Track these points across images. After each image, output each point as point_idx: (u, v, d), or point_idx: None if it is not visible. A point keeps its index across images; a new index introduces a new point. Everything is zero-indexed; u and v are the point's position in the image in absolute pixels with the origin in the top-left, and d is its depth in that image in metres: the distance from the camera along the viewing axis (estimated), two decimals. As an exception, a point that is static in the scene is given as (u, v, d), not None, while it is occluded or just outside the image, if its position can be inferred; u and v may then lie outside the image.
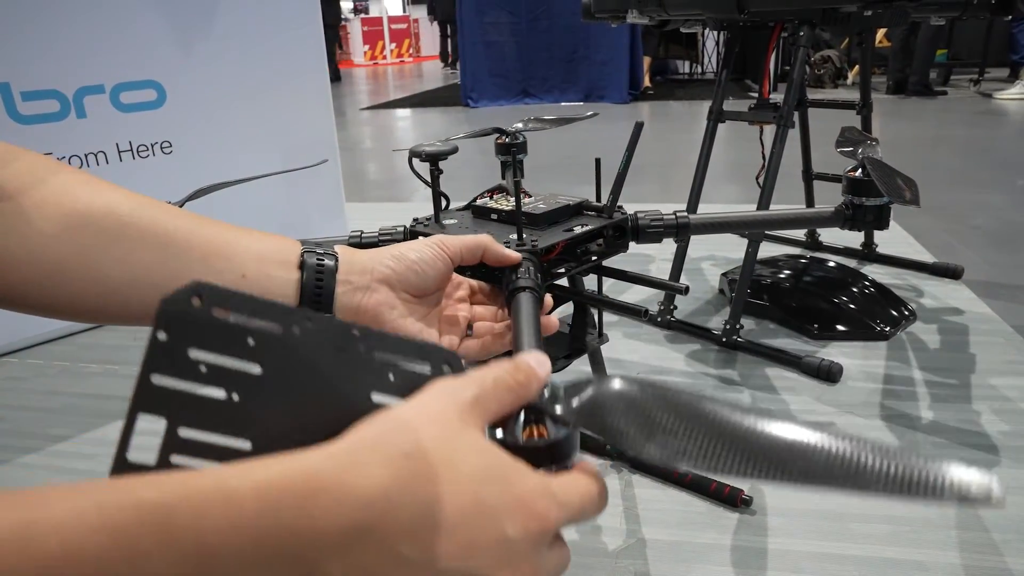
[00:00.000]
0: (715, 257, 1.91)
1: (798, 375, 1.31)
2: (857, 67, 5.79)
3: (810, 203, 1.83)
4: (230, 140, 1.79)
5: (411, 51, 12.93)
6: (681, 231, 0.78)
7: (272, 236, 0.53)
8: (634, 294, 1.67)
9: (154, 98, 1.66)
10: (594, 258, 0.77)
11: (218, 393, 0.29)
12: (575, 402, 0.38)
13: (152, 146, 1.67)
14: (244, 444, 0.30)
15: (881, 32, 5.80)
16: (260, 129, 1.84)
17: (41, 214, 0.44)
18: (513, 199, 0.79)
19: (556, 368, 0.79)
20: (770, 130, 1.44)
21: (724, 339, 1.42)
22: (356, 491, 0.27)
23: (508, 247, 0.69)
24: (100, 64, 1.58)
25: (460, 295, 0.62)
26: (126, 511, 0.23)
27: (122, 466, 0.28)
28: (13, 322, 1.56)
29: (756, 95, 1.50)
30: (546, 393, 0.39)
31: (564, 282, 0.81)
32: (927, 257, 1.86)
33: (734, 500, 0.97)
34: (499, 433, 0.37)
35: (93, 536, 0.23)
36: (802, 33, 1.35)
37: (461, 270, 0.65)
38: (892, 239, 2.00)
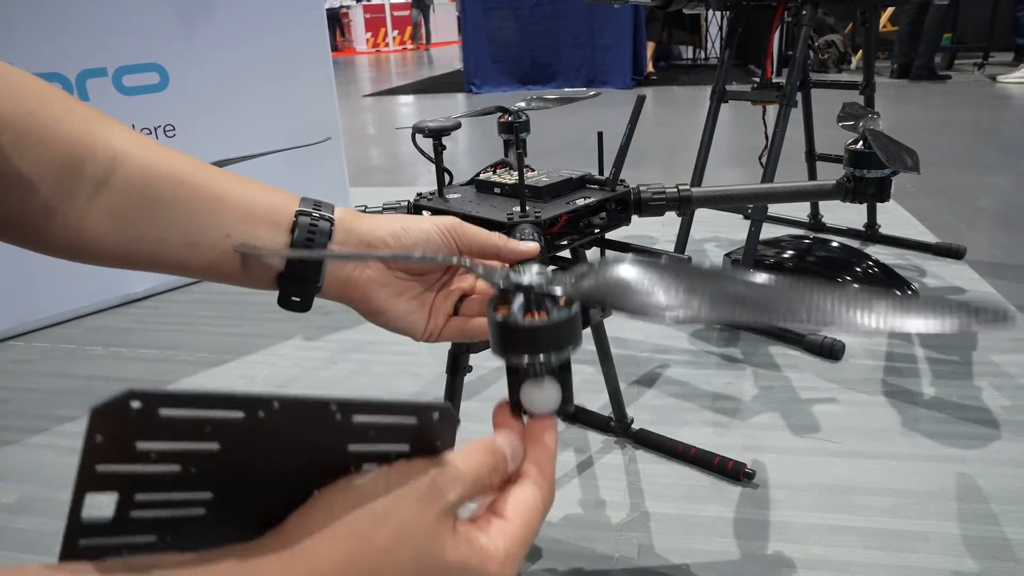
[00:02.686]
0: (719, 238, 1.92)
1: (801, 353, 1.32)
2: (861, 51, 5.76)
3: (813, 184, 1.83)
4: (234, 123, 1.79)
5: (413, 38, 12.87)
6: (684, 204, 0.79)
7: (270, 191, 0.50)
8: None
9: (157, 81, 1.67)
10: (597, 231, 0.77)
11: (173, 468, 0.28)
12: (577, 285, 0.41)
13: (155, 129, 1.67)
14: (205, 495, 0.30)
15: (885, 16, 5.78)
16: (264, 112, 1.84)
17: (25, 146, 0.41)
18: (516, 173, 0.79)
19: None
20: (773, 110, 1.44)
21: (727, 318, 1.42)
22: None
23: (511, 218, 0.69)
24: (103, 47, 1.58)
25: (463, 285, 0.57)
26: None
27: (75, 529, 0.28)
28: (19, 306, 1.57)
29: (759, 79, 1.49)
30: (548, 277, 0.42)
31: (568, 255, 0.81)
32: (930, 238, 1.86)
33: (737, 474, 0.98)
34: (499, 316, 0.40)
35: None
36: (804, 12, 1.35)
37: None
38: (895, 220, 2.00)
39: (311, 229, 0.48)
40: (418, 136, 0.86)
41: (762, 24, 1.51)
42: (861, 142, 0.79)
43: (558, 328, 0.40)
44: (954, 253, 1.75)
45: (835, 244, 1.77)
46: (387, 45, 12.34)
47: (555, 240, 0.74)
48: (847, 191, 0.81)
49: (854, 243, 1.84)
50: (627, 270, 0.41)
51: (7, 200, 0.42)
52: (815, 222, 1.95)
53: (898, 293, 0.38)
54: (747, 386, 1.22)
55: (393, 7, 12.44)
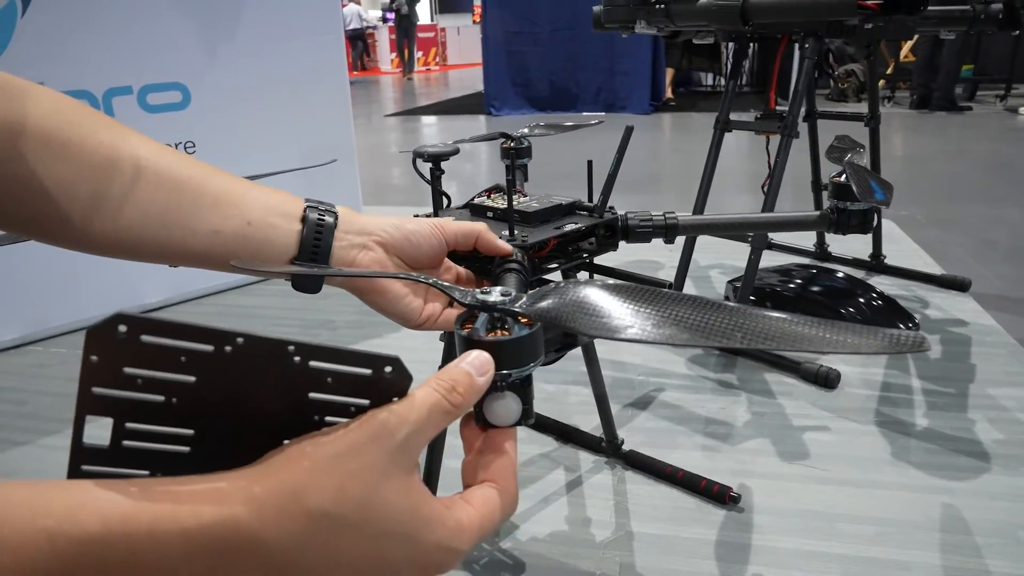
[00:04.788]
0: (723, 265, 1.93)
1: (797, 380, 1.33)
2: (882, 82, 5.76)
3: (819, 213, 1.84)
4: (252, 141, 1.84)
5: (438, 59, 13.05)
6: (670, 231, 0.81)
7: (279, 192, 0.56)
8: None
9: (179, 100, 1.73)
10: (585, 256, 0.80)
11: (157, 398, 0.32)
12: (533, 305, 0.44)
13: (176, 145, 1.73)
14: (187, 431, 0.33)
15: (907, 47, 5.78)
16: (281, 131, 1.89)
17: (66, 153, 0.47)
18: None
19: (547, 361, 0.82)
20: (777, 140, 1.46)
21: (725, 344, 1.44)
22: (272, 543, 0.30)
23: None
24: (128, 66, 1.65)
25: (448, 278, 0.64)
26: (72, 543, 0.27)
27: (78, 453, 0.32)
28: (39, 313, 1.63)
29: (778, 107, 1.52)
30: (512, 297, 0.44)
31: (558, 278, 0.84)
32: (936, 269, 1.87)
33: (722, 497, 0.99)
34: (464, 332, 0.42)
35: (42, 561, 0.27)
36: (807, 45, 1.37)
37: (455, 259, 0.68)
38: (903, 251, 2.01)
39: (319, 221, 0.54)
40: (418, 160, 0.90)
41: (781, 54, 1.53)
42: (845, 175, 0.82)
43: (519, 345, 0.43)
44: (959, 285, 1.75)
45: (840, 275, 1.78)
46: (412, 65, 12.50)
47: (543, 264, 0.77)
48: (831, 222, 0.83)
49: (859, 273, 1.85)
50: (580, 292, 0.44)
51: (51, 203, 0.47)
52: (821, 251, 1.96)
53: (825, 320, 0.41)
54: (740, 412, 1.23)
55: (419, 28, 12.62)
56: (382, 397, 0.36)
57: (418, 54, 12.35)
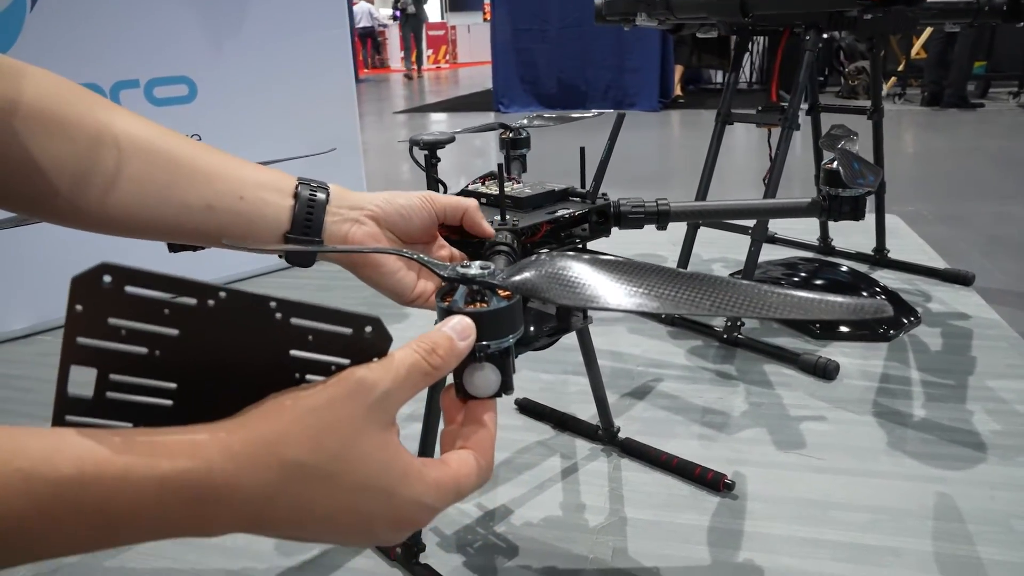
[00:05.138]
0: (726, 259, 1.93)
1: (796, 372, 1.33)
2: (893, 79, 5.72)
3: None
4: (257, 135, 1.86)
5: (448, 57, 13.08)
6: (662, 217, 0.82)
7: (271, 169, 0.57)
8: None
9: (185, 93, 1.75)
10: (578, 242, 0.81)
11: (140, 350, 0.32)
12: (509, 278, 0.45)
13: (182, 139, 1.75)
14: (170, 385, 0.33)
15: (919, 43, 5.75)
16: (286, 125, 1.91)
17: (64, 132, 0.48)
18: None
19: (541, 346, 0.83)
20: (779, 132, 1.46)
21: (725, 336, 1.44)
22: (246, 491, 0.31)
23: (491, 226, 0.73)
24: (136, 60, 1.67)
25: (442, 255, 0.65)
26: (47, 485, 0.28)
27: (62, 403, 0.32)
28: (46, 303, 1.65)
29: (786, 103, 1.52)
30: (490, 271, 0.45)
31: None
32: (940, 264, 1.86)
33: (717, 484, 1.00)
34: (444, 304, 0.44)
35: (17, 500, 0.27)
36: (808, 37, 1.38)
37: (451, 243, 0.69)
38: (907, 246, 2.00)
39: (311, 197, 0.55)
40: (415, 148, 0.91)
41: (793, 50, 1.52)
42: (836, 162, 0.82)
43: (497, 316, 0.44)
44: (962, 279, 1.75)
45: (843, 268, 1.79)
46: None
47: (535, 248, 0.78)
48: (822, 209, 0.84)
49: (862, 267, 1.84)
50: (557, 264, 0.45)
51: (44, 180, 0.48)
52: (824, 245, 1.96)
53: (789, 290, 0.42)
54: (738, 402, 1.24)
55: (429, 27, 12.64)
56: (362, 357, 0.36)
57: (428, 52, 12.37)
